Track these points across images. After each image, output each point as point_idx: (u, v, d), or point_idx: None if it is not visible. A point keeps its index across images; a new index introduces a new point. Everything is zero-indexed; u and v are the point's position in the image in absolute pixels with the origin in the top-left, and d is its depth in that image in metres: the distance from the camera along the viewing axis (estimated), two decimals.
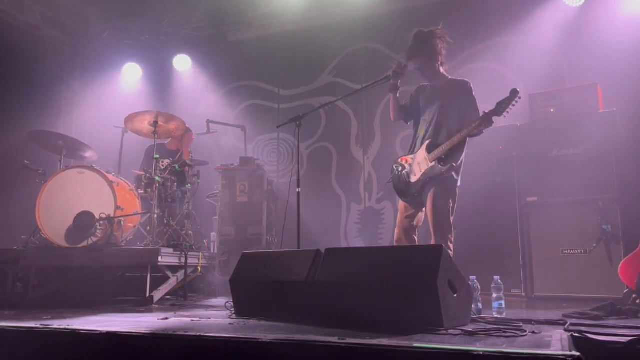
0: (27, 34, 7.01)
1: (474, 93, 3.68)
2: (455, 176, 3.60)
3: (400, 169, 3.81)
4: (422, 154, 3.66)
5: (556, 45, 5.62)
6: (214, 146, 7.32)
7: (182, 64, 7.64)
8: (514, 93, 3.39)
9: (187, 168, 5.49)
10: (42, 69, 7.21)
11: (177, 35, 7.62)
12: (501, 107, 3.40)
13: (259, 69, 7.47)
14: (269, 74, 7.42)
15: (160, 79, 7.74)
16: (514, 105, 3.40)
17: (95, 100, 7.76)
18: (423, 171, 3.62)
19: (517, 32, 5.85)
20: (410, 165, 3.75)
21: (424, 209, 3.73)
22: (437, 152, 3.56)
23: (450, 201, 3.60)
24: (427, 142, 3.65)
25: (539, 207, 4.57)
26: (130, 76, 7.83)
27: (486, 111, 3.44)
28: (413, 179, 3.69)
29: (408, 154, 3.84)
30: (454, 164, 3.53)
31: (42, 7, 7.00)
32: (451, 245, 3.56)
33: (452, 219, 3.59)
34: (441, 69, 3.77)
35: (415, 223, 3.78)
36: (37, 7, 6.96)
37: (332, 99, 5.09)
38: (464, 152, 3.67)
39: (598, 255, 4.21)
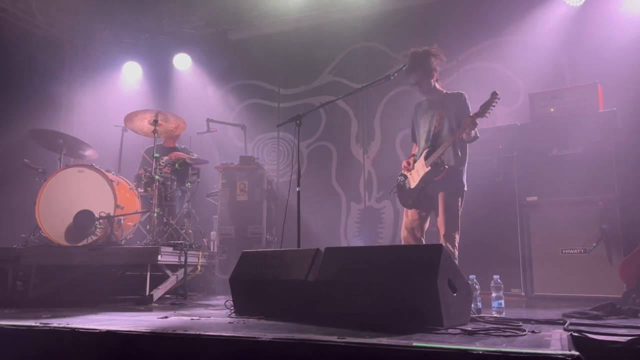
0: (27, 33, 7.01)
1: (468, 102, 3.92)
2: (461, 178, 3.87)
3: (402, 178, 4.15)
4: (420, 162, 3.97)
5: (557, 45, 5.62)
6: (214, 145, 7.32)
7: (182, 62, 7.64)
8: (494, 95, 3.62)
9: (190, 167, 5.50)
10: (42, 68, 7.21)
11: (177, 34, 7.62)
12: (484, 110, 3.62)
13: (259, 68, 7.47)
14: (269, 73, 7.42)
15: (161, 77, 7.73)
16: (494, 106, 3.62)
17: (95, 99, 7.77)
18: (421, 177, 3.93)
19: (517, 32, 5.85)
20: (410, 174, 4.08)
21: (428, 213, 4.02)
22: (432, 157, 3.85)
23: (459, 201, 3.85)
24: (426, 151, 3.94)
25: (539, 206, 4.57)
26: (131, 75, 7.83)
27: (470, 113, 3.73)
28: (412, 185, 4.01)
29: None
30: (447, 167, 3.81)
31: (43, 6, 6.99)
32: (457, 243, 3.80)
33: (460, 219, 3.83)
34: (436, 85, 4.02)
35: (420, 226, 4.04)
36: (38, 6, 6.95)
37: (332, 98, 5.08)
38: (467, 158, 3.93)
39: (598, 255, 4.21)
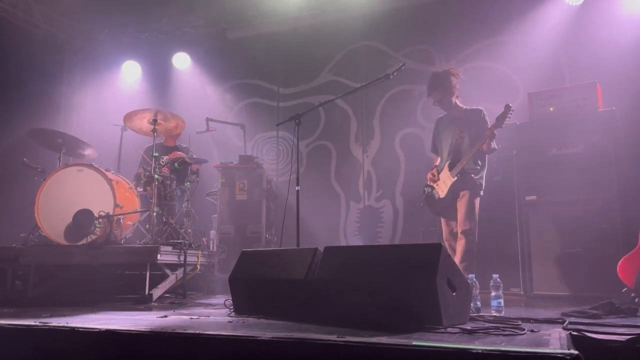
0: (27, 33, 7.00)
1: (487, 117, 4.29)
2: (481, 183, 4.23)
3: (429, 189, 4.47)
4: (445, 173, 4.32)
5: (556, 44, 5.62)
6: (214, 144, 7.32)
7: (182, 62, 7.63)
8: (508, 108, 4.06)
9: (190, 166, 5.49)
10: (41, 67, 7.20)
11: (176, 33, 7.61)
12: (500, 122, 4.06)
13: (258, 67, 7.46)
14: (269, 72, 7.42)
15: (160, 77, 7.73)
16: (509, 117, 4.06)
17: (94, 98, 7.77)
18: (449, 186, 4.26)
19: (517, 31, 5.85)
20: (437, 184, 4.40)
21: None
22: (457, 168, 4.21)
23: (478, 202, 4.21)
24: (448, 162, 4.32)
25: (538, 205, 4.57)
26: (130, 74, 7.83)
27: (488, 127, 4.13)
28: (442, 195, 4.34)
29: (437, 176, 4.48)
30: (473, 175, 4.17)
31: (42, 5, 6.99)
32: (476, 237, 4.15)
33: (477, 218, 4.20)
34: (457, 101, 4.39)
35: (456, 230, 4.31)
36: (37, 6, 6.94)
37: (332, 97, 5.09)
38: (486, 166, 4.31)
39: (597, 253, 4.21)
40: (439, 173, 4.40)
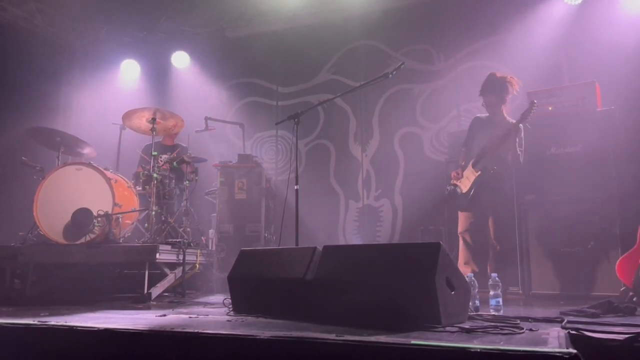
0: (26, 32, 6.99)
1: (522, 129, 4.42)
2: (507, 187, 4.48)
3: (451, 187, 4.65)
4: (469, 170, 4.53)
5: (555, 43, 5.62)
6: (212, 143, 7.31)
7: (181, 60, 7.63)
8: (532, 104, 4.20)
9: (187, 166, 5.48)
10: (40, 66, 7.19)
11: (175, 31, 7.60)
12: (524, 117, 4.21)
13: (257, 66, 7.46)
14: (268, 71, 7.41)
15: (159, 75, 7.72)
16: (533, 112, 4.19)
17: (93, 97, 7.75)
18: (472, 181, 4.46)
19: (516, 30, 5.84)
20: (460, 182, 4.59)
21: (480, 218, 4.49)
22: (480, 162, 4.42)
23: (509, 208, 4.47)
24: (473, 160, 4.50)
25: (537, 205, 4.57)
26: (129, 73, 7.82)
27: (513, 121, 4.29)
28: (464, 190, 4.52)
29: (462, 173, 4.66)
30: (495, 168, 4.34)
31: (41, 4, 6.97)
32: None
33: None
34: (503, 110, 4.57)
35: (475, 230, 4.52)
36: (35, 4, 6.93)
37: (331, 96, 5.09)
38: (513, 178, 4.51)
39: (595, 253, 4.21)
40: (463, 171, 4.58)
